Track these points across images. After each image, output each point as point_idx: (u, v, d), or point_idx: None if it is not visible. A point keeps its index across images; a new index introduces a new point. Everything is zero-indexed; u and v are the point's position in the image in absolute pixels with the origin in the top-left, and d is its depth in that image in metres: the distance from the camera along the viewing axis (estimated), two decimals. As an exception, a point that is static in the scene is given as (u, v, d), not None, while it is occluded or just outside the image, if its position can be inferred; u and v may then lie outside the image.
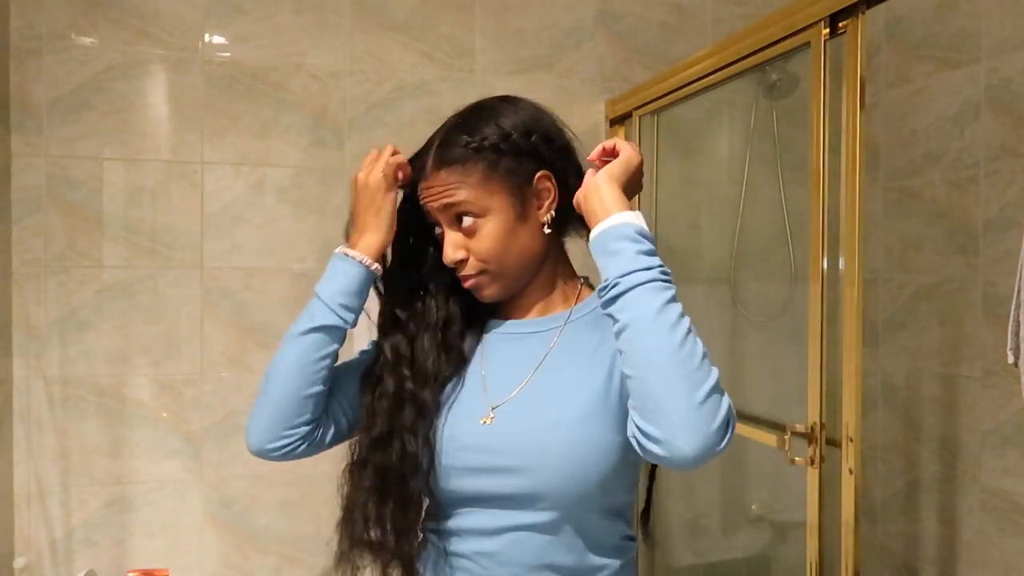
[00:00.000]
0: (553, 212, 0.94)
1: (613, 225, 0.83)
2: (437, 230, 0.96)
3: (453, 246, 0.92)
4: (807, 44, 1.39)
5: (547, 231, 0.95)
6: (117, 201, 1.85)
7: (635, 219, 0.83)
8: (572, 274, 1.02)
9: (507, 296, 0.97)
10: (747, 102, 2.18)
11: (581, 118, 2.16)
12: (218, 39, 1.91)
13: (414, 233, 0.99)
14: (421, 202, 0.95)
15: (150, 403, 1.87)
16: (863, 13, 1.27)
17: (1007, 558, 1.87)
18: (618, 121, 2.13)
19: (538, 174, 0.93)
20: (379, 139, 2.01)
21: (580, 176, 0.93)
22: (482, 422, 0.92)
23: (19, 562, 1.75)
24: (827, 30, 1.34)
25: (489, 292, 0.95)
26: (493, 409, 0.92)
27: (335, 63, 1.98)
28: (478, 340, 1.00)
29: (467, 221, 0.91)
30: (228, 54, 1.91)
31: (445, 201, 0.91)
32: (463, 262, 0.93)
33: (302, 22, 1.96)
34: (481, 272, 0.93)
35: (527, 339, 0.97)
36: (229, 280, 1.92)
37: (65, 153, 1.82)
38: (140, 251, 1.87)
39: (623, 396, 0.87)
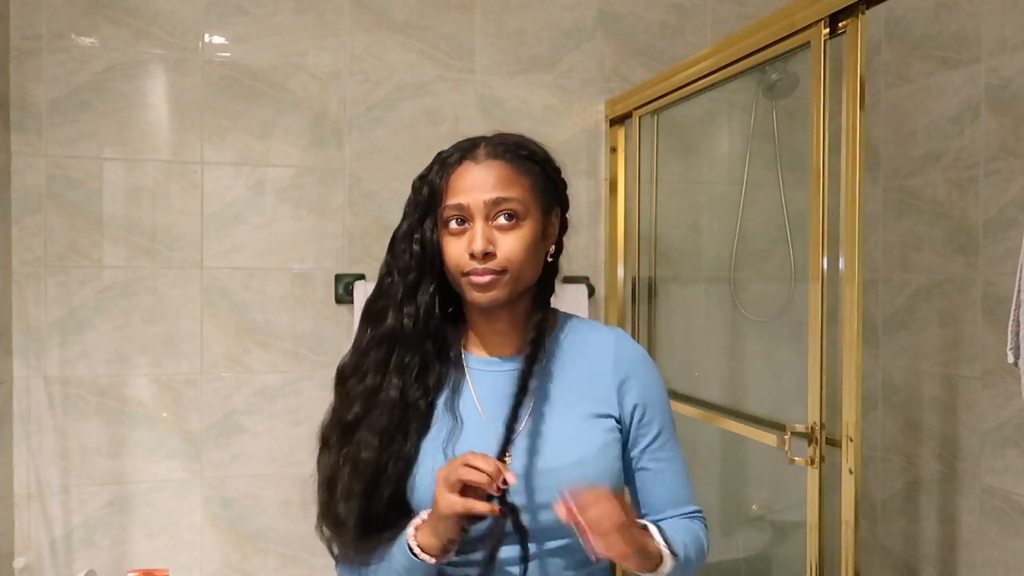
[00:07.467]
0: (553, 247, 1.01)
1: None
2: (452, 224, 0.94)
3: (484, 238, 0.92)
4: (807, 44, 1.39)
5: (549, 259, 1.01)
6: (117, 201, 1.85)
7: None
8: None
9: (504, 304, 0.96)
10: (747, 102, 2.18)
11: (581, 118, 2.16)
12: (218, 39, 1.91)
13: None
14: (457, 188, 0.94)
15: (150, 403, 1.87)
16: (863, 13, 1.28)
17: (1007, 558, 1.87)
18: (618, 121, 2.13)
19: (556, 208, 1.01)
20: (379, 139, 2.01)
21: (565, 230, 1.03)
22: (503, 461, 0.91)
23: (19, 562, 1.75)
24: (827, 30, 1.34)
25: (498, 293, 0.94)
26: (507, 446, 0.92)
27: (335, 63, 1.98)
28: (461, 373, 1.00)
29: (508, 219, 0.93)
30: (228, 54, 1.91)
31: (499, 195, 0.92)
32: (490, 256, 0.92)
33: (302, 22, 1.96)
34: (501, 271, 0.93)
35: (510, 374, 0.97)
36: (229, 280, 1.92)
37: (65, 153, 1.82)
38: (140, 251, 1.87)
39: (621, 426, 0.99)
